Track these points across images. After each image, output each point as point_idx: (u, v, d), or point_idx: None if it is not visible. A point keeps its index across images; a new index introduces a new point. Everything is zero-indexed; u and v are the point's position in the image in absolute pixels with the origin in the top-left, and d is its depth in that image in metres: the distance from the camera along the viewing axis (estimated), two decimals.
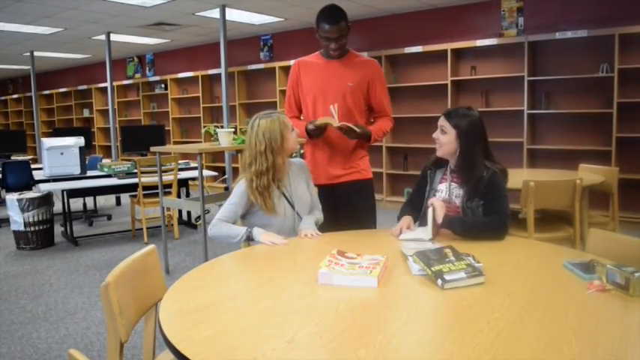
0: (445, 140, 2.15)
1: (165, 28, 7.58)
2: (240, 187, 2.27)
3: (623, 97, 5.25)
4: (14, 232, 5.09)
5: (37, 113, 10.52)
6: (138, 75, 10.38)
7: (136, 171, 5.09)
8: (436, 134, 2.19)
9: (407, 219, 2.16)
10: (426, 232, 2.05)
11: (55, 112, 12.35)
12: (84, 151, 5.51)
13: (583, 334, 1.19)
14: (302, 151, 3.17)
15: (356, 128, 2.51)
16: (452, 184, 2.20)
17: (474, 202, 2.10)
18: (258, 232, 2.15)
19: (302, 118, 2.81)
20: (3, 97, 14.17)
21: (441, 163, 2.27)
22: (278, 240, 2.07)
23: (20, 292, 3.85)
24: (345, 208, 2.71)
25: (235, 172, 7.96)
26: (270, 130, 2.22)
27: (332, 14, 2.54)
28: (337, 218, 2.64)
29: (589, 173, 3.80)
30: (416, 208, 2.28)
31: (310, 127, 2.57)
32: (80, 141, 5.43)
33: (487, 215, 2.08)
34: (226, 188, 7.12)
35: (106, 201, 7.65)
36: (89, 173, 5.56)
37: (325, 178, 2.70)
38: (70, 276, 4.21)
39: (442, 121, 2.17)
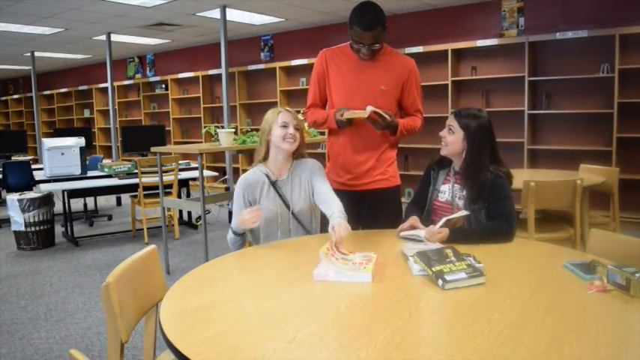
0: (452, 140, 2.13)
1: (166, 29, 7.58)
2: (236, 192, 2.29)
3: (623, 97, 5.25)
4: (15, 232, 5.09)
5: (37, 113, 10.53)
6: (138, 75, 10.38)
7: (136, 171, 5.09)
8: (443, 132, 2.17)
9: (413, 219, 2.14)
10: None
11: (55, 113, 12.35)
12: (84, 151, 5.52)
13: (584, 334, 1.19)
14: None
15: (386, 116, 2.33)
16: (455, 185, 2.19)
17: (477, 205, 2.09)
18: (235, 224, 2.17)
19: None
20: (4, 98, 14.17)
21: (444, 164, 2.26)
22: (248, 215, 2.05)
23: (21, 292, 3.85)
24: (370, 215, 2.52)
25: (236, 172, 7.96)
26: (266, 119, 2.28)
27: (367, 18, 2.27)
28: (360, 226, 2.50)
29: (589, 173, 3.79)
30: (421, 207, 2.28)
31: (339, 117, 2.39)
32: (81, 141, 5.44)
33: (491, 218, 2.06)
34: (227, 189, 7.12)
35: (106, 201, 7.65)
36: (90, 173, 5.57)
37: (350, 183, 2.52)
38: (71, 276, 4.21)
39: (451, 120, 2.14)
